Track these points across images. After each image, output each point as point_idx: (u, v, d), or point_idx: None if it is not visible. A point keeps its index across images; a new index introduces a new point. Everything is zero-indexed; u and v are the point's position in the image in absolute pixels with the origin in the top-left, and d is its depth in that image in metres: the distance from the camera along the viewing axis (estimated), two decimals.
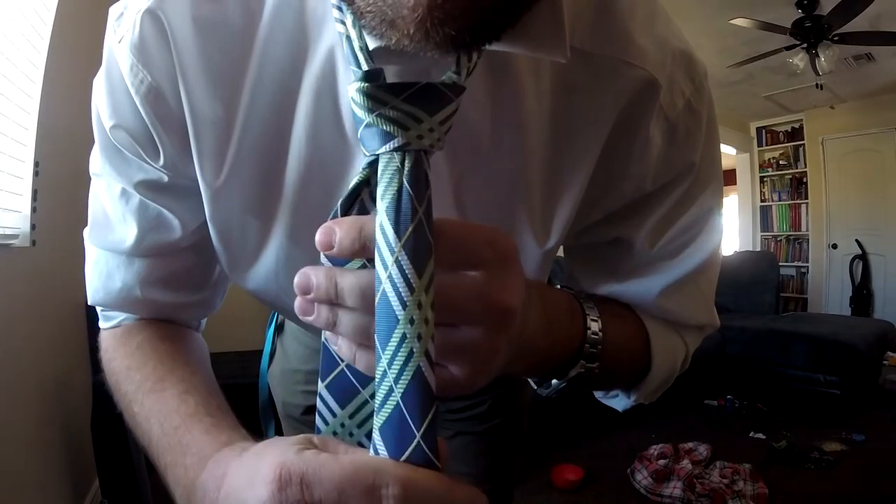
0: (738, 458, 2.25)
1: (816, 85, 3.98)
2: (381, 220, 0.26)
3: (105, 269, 0.45)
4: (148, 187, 0.42)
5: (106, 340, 0.48)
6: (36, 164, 1.50)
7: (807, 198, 5.32)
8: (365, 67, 0.28)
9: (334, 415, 0.32)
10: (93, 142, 0.44)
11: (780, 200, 5.55)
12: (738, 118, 5.50)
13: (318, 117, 0.37)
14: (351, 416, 0.32)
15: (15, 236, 1.39)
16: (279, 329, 0.71)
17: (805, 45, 3.13)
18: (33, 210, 1.49)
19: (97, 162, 0.44)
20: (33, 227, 1.48)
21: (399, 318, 0.25)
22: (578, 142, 0.40)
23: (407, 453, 0.26)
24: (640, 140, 0.41)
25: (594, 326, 0.40)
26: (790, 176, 5.44)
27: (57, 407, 1.60)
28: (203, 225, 0.45)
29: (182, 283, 0.48)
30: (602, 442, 2.49)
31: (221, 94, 0.37)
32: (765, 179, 5.64)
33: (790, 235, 5.49)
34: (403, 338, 0.25)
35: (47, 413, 1.54)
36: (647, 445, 2.35)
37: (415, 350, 0.25)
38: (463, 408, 0.67)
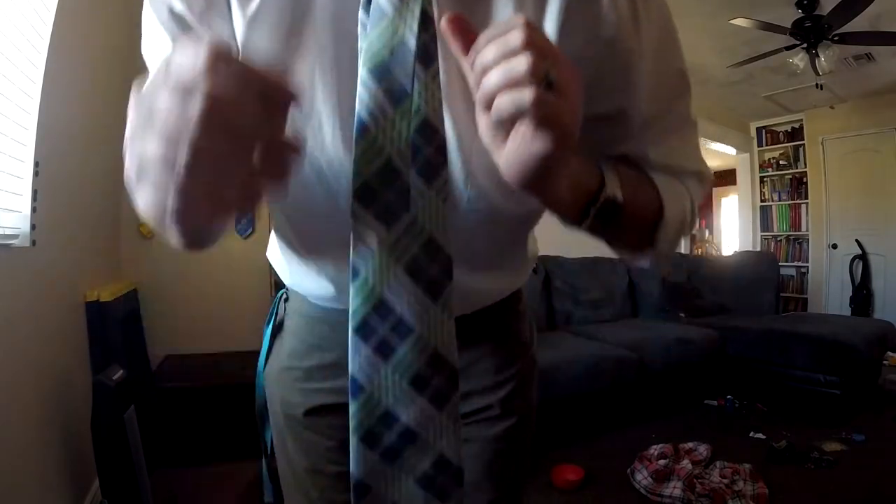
0: (738, 458, 2.25)
1: (816, 85, 3.99)
2: None
3: None
4: None
5: None
6: (36, 164, 1.50)
7: (807, 198, 5.33)
8: None
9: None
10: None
11: (780, 200, 5.55)
12: (738, 118, 5.50)
13: None
14: None
15: (15, 236, 1.39)
16: (278, 328, 0.70)
17: (805, 45, 3.13)
18: (33, 210, 1.49)
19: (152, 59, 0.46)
20: (33, 227, 1.48)
21: (389, 14, 0.38)
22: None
23: None
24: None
25: (604, 165, 0.46)
26: (790, 176, 5.44)
27: (57, 407, 1.60)
28: None
29: None
30: (602, 442, 2.49)
31: None
32: (765, 179, 5.64)
33: (790, 235, 5.49)
34: (393, 22, 0.38)
35: (47, 413, 1.54)
36: (647, 445, 2.35)
37: (400, 28, 0.38)
38: (473, 411, 0.63)
